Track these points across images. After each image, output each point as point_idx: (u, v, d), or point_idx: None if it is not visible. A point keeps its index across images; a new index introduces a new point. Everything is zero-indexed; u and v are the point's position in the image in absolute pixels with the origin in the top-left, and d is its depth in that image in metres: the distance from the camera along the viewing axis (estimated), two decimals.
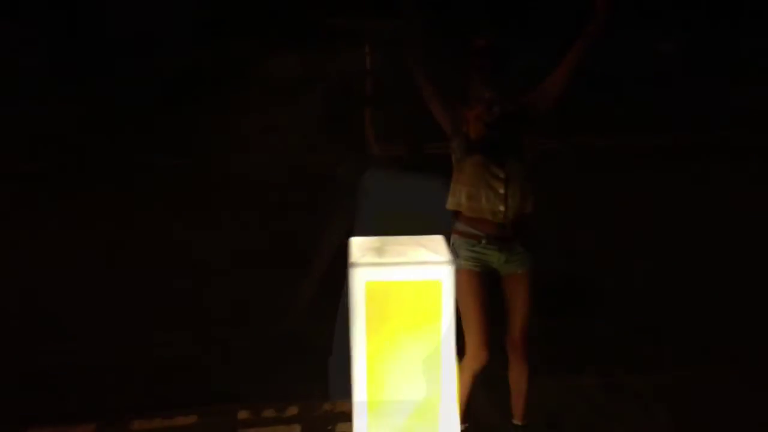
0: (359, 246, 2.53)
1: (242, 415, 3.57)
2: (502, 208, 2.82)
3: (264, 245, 6.34)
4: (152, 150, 10.46)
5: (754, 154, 9.36)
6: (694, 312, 4.80)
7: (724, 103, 12.15)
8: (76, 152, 10.84)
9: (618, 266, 5.66)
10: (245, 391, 3.84)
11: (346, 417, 2.87)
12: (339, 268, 2.47)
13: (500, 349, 3.03)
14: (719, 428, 3.41)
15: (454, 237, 2.92)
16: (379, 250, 2.50)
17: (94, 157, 10.26)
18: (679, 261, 5.83)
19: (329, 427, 3.45)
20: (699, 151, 10.03)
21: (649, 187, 8.14)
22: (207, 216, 7.35)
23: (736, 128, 10.86)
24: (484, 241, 2.84)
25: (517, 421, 3.10)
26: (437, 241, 2.56)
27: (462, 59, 2.93)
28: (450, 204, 2.93)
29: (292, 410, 3.59)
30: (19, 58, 17.01)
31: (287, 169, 9.44)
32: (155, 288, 5.43)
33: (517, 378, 3.02)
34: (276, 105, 15.56)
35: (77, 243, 6.60)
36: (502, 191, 2.81)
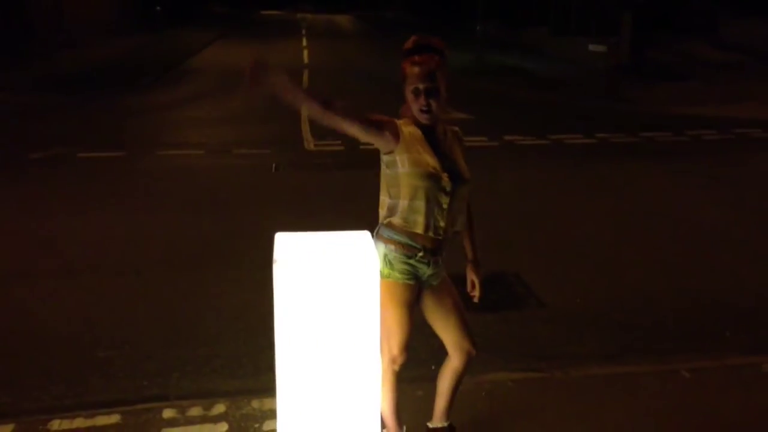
0: (285, 242, 2.52)
1: (168, 413, 3.51)
2: (442, 223, 2.79)
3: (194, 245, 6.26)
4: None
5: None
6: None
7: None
8: None
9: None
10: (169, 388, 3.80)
11: (274, 414, 2.84)
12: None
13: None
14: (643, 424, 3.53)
15: (387, 248, 2.81)
16: (305, 247, 2.49)
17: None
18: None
19: (256, 425, 3.42)
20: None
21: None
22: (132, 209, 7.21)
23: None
24: (420, 255, 2.81)
25: (438, 423, 3.11)
26: (363, 238, 2.57)
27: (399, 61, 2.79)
28: (387, 219, 2.83)
29: (219, 408, 3.55)
30: None
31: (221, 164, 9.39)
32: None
33: (457, 376, 3.02)
34: (215, 99, 15.46)
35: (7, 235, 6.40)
36: (446, 206, 2.78)
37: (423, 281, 2.90)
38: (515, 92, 16.85)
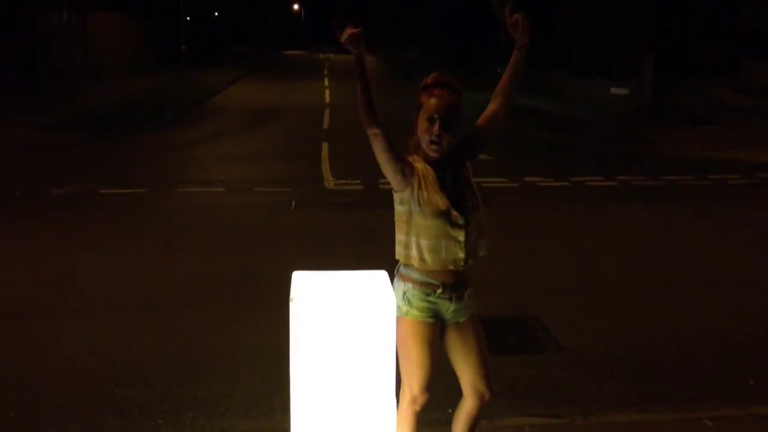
0: (302, 280, 2.51)
1: None
2: (462, 255, 2.76)
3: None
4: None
5: None
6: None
7: None
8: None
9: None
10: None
11: None
12: None
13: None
14: None
15: (406, 286, 2.79)
16: (322, 285, 2.49)
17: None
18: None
19: None
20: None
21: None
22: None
23: None
24: (439, 291, 2.78)
25: None
26: (380, 277, 2.56)
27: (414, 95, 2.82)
28: (404, 257, 2.81)
29: None
30: None
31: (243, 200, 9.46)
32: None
33: (472, 420, 2.93)
34: (239, 135, 15.66)
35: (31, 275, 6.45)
36: (462, 238, 2.76)
37: (446, 318, 2.86)
38: (535, 134, 16.87)
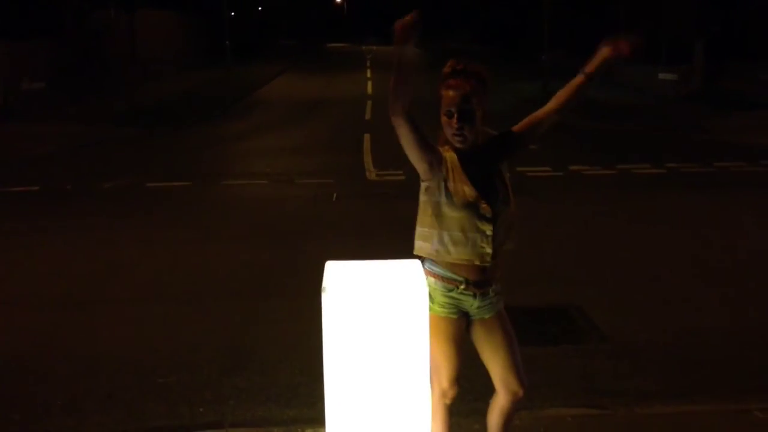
0: (335, 270, 2.51)
1: None
2: (488, 250, 2.68)
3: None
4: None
5: None
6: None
7: None
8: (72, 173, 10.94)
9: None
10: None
11: None
12: None
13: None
14: None
15: (428, 280, 2.72)
16: (355, 275, 2.47)
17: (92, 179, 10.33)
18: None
19: None
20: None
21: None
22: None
23: None
24: (462, 287, 2.72)
25: None
26: (414, 267, 2.54)
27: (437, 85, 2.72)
28: (426, 251, 2.75)
29: None
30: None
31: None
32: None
33: (505, 414, 2.89)
34: (280, 128, 15.79)
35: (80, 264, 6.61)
36: (489, 233, 2.68)
37: (471, 314, 2.80)
38: (581, 121, 16.57)
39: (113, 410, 3.96)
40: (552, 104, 2.86)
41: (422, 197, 2.79)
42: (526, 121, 2.86)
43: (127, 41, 24.80)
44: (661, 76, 19.52)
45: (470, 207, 2.66)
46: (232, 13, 37.58)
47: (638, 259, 6.58)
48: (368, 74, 30.01)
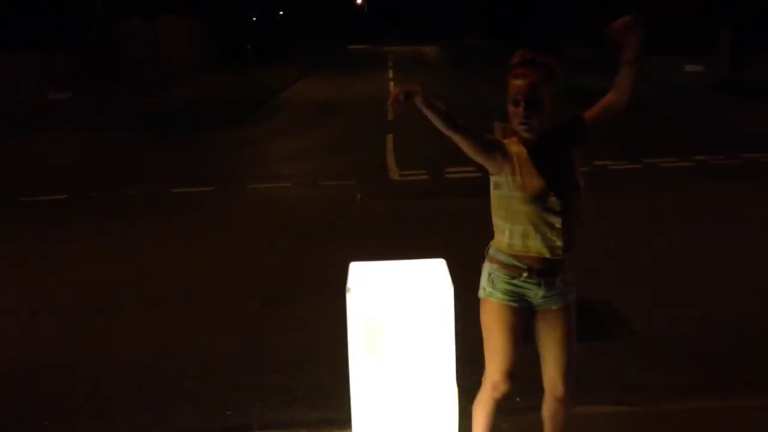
0: (359, 271, 2.49)
1: None
2: (559, 243, 2.66)
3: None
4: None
5: None
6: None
7: None
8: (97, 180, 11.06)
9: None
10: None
11: None
12: None
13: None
14: None
15: (492, 266, 2.74)
16: (379, 275, 2.46)
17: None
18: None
19: None
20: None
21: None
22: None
23: None
24: (525, 275, 2.68)
25: None
26: (438, 266, 2.51)
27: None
28: (501, 245, 2.73)
29: None
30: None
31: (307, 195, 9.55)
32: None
33: (553, 416, 2.87)
34: (301, 129, 15.83)
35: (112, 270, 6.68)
36: (559, 225, 2.65)
37: (535, 304, 2.74)
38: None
39: (141, 415, 3.98)
40: (617, 84, 2.82)
41: (492, 191, 2.76)
42: (596, 107, 2.81)
43: (150, 48, 25.07)
44: (687, 67, 19.28)
45: (538, 200, 2.64)
46: (254, 18, 37.84)
47: (667, 252, 6.48)
48: (390, 75, 29.98)
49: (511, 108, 2.66)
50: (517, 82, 2.63)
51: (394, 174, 10.63)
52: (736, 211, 7.89)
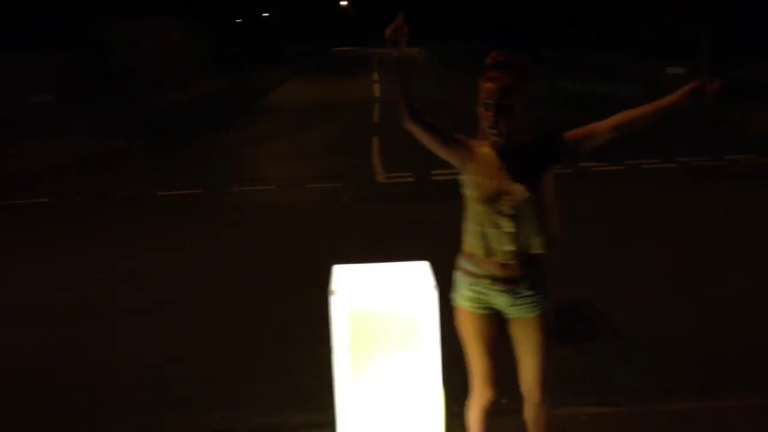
0: (342, 273, 2.51)
1: None
2: (509, 247, 2.62)
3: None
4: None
5: None
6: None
7: None
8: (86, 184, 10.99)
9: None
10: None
11: None
12: None
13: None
14: None
15: (457, 273, 2.75)
16: (362, 278, 2.47)
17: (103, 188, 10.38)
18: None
19: None
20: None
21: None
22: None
23: None
24: (485, 281, 2.66)
25: None
26: (422, 268, 2.53)
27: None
28: (465, 246, 2.74)
29: None
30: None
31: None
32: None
33: (533, 421, 2.87)
34: (287, 132, 15.82)
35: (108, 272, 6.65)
36: (509, 230, 2.62)
37: (506, 312, 2.72)
38: (588, 117, 16.47)
39: (131, 419, 3.98)
40: (610, 121, 2.73)
41: (463, 191, 2.76)
42: (582, 130, 2.73)
43: (135, 51, 24.95)
44: (669, 70, 19.41)
45: (490, 201, 2.61)
46: (238, 21, 37.75)
47: (652, 254, 6.54)
48: (375, 77, 30.01)
49: (481, 111, 2.62)
50: (488, 86, 2.58)
51: (380, 176, 10.65)
52: (719, 212, 7.97)
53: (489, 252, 2.66)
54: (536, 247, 2.68)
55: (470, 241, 2.69)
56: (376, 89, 25.16)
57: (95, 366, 4.69)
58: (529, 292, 2.70)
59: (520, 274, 2.67)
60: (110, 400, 4.21)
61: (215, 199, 9.67)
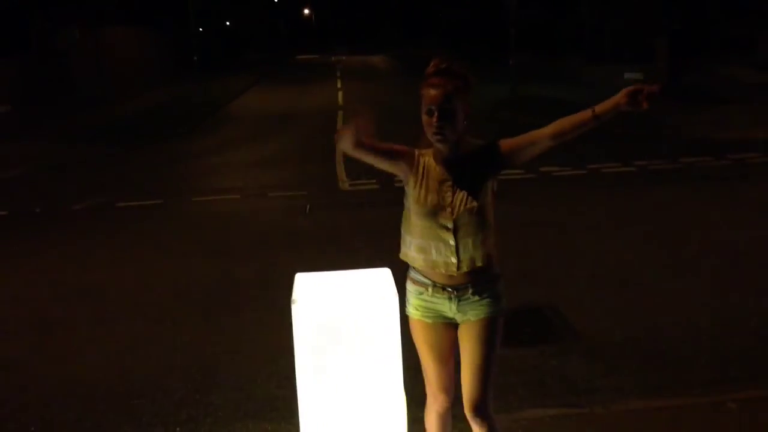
0: (304, 282, 2.50)
1: None
2: (453, 260, 2.61)
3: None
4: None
5: None
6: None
7: None
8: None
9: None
10: None
11: None
12: None
13: None
14: None
15: (407, 282, 2.74)
16: (324, 286, 2.47)
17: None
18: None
19: None
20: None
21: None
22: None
23: None
24: (431, 289, 2.65)
25: None
26: (383, 275, 2.54)
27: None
28: (402, 254, 2.73)
29: None
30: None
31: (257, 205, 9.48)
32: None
33: (479, 428, 2.71)
34: (249, 140, 15.72)
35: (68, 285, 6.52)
36: (452, 242, 2.60)
37: (454, 317, 2.70)
38: (548, 122, 16.72)
39: None
40: (549, 129, 2.70)
41: (405, 202, 2.74)
42: (518, 139, 2.71)
43: (93, 59, 24.59)
44: (627, 75, 19.75)
45: (431, 216, 2.60)
46: (200, 29, 37.46)
47: (610, 257, 6.64)
48: (339, 84, 30.03)
49: (425, 117, 2.61)
50: (431, 92, 2.58)
51: (344, 184, 10.65)
52: (677, 215, 8.13)
53: (433, 265, 2.64)
54: (479, 259, 2.66)
55: (412, 255, 2.67)
56: (340, 97, 25.16)
57: (49, 381, 4.59)
58: (475, 297, 2.68)
59: (465, 281, 2.67)
60: (65, 415, 4.13)
61: (176, 210, 9.56)
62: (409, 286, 2.71)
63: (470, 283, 2.67)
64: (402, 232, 2.75)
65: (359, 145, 2.55)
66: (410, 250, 2.68)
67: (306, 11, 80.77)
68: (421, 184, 2.65)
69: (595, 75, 23.21)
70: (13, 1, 19.25)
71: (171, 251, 7.56)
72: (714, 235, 7.18)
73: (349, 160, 12.28)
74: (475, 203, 2.63)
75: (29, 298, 6.26)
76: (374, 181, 10.24)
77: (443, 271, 2.63)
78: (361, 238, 7.59)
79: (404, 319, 2.75)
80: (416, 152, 2.71)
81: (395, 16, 59.59)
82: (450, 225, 2.60)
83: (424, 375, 2.75)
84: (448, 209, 2.61)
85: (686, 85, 19.74)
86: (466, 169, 2.67)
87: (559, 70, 26.30)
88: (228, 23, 49.99)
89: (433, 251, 2.62)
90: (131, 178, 12.19)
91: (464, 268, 2.63)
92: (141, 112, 21.45)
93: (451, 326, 2.73)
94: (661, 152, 11.84)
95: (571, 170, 10.78)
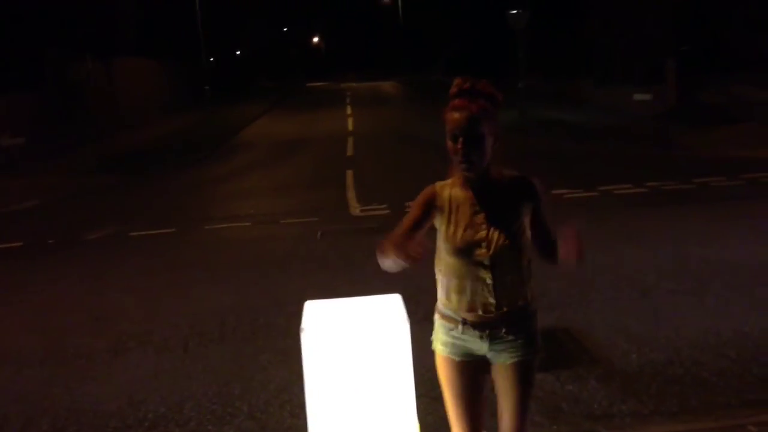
0: (314, 309, 2.48)
1: None
2: (491, 300, 2.43)
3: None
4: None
5: None
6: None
7: None
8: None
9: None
10: None
11: None
12: None
13: None
14: None
15: (436, 316, 2.57)
16: (334, 313, 2.45)
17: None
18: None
19: None
20: None
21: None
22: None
23: None
24: (461, 327, 2.46)
25: None
26: (393, 301, 2.52)
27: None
28: (441, 301, 2.55)
29: None
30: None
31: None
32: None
33: None
34: (262, 166, 15.81)
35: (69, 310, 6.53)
36: (489, 281, 2.42)
37: (488, 357, 2.53)
38: (561, 145, 16.74)
39: None
40: (537, 235, 2.61)
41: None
42: (537, 218, 2.61)
43: (107, 90, 24.89)
44: (636, 96, 19.80)
45: (463, 254, 2.42)
46: (211, 59, 37.90)
47: (626, 278, 6.58)
48: (348, 111, 30.20)
49: (450, 144, 2.41)
50: (455, 116, 2.38)
51: (355, 209, 10.66)
52: (691, 235, 8.06)
53: (470, 306, 2.46)
54: (520, 298, 2.50)
55: (447, 294, 2.50)
56: (350, 123, 25.30)
57: (62, 412, 4.56)
58: (510, 337, 2.51)
59: (500, 320, 2.50)
60: None
61: (189, 238, 9.59)
62: (438, 321, 2.55)
63: (505, 322, 2.50)
64: (437, 273, 2.57)
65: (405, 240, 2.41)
66: (444, 292, 2.52)
67: (315, 39, 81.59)
68: (449, 220, 2.47)
69: (605, 97, 23.24)
70: (27, 34, 19.55)
71: (184, 279, 7.57)
72: (730, 256, 7.10)
73: (360, 186, 12.32)
74: (513, 239, 2.46)
75: (43, 328, 6.27)
76: (384, 206, 10.25)
77: (480, 313, 2.47)
78: (372, 264, 7.50)
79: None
80: (436, 189, 2.53)
81: (404, 42, 60.03)
82: (487, 262, 2.43)
83: (450, 418, 2.59)
84: (484, 245, 2.43)
85: (696, 105, 19.70)
86: (500, 200, 2.49)
87: (569, 92, 26.34)
88: (238, 52, 50.54)
89: (469, 291, 2.45)
90: (144, 207, 12.27)
91: (503, 308, 2.47)
92: (154, 142, 21.66)
93: (481, 365, 2.56)
94: (673, 173, 11.79)
95: (583, 192, 10.74)
